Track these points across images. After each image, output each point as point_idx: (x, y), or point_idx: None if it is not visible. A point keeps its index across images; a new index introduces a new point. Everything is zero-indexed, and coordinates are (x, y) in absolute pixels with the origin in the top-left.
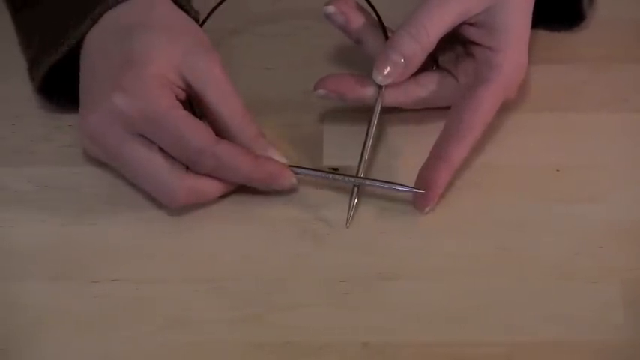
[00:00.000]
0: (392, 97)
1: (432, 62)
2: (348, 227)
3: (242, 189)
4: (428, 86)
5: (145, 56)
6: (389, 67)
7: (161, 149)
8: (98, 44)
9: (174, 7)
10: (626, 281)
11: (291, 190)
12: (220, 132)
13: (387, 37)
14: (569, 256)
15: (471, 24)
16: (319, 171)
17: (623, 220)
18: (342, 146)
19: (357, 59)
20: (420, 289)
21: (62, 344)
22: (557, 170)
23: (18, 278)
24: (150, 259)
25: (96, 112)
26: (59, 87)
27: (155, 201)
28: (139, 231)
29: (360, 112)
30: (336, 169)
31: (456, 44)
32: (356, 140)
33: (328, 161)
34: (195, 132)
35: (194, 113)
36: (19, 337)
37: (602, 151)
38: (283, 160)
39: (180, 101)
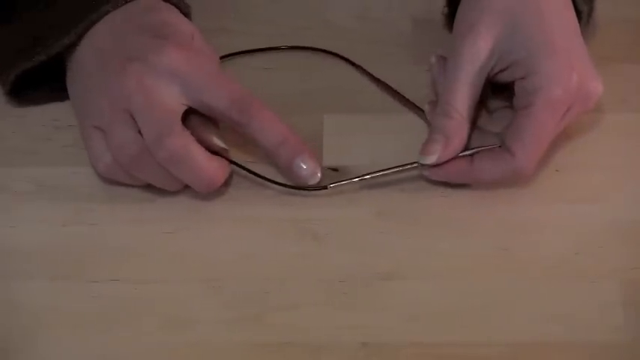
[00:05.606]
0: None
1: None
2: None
3: (241, 189)
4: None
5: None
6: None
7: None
8: (96, 44)
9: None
10: (626, 281)
11: None
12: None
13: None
14: (569, 256)
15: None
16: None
17: (623, 220)
18: (342, 146)
19: (356, 59)
20: (419, 289)
21: (61, 344)
22: (557, 170)
23: (18, 278)
24: (149, 259)
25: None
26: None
27: (155, 201)
28: (138, 231)
29: (361, 113)
30: (336, 170)
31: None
32: (356, 141)
33: (328, 162)
34: (160, 114)
35: None
36: (18, 336)
37: (602, 151)
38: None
39: None
